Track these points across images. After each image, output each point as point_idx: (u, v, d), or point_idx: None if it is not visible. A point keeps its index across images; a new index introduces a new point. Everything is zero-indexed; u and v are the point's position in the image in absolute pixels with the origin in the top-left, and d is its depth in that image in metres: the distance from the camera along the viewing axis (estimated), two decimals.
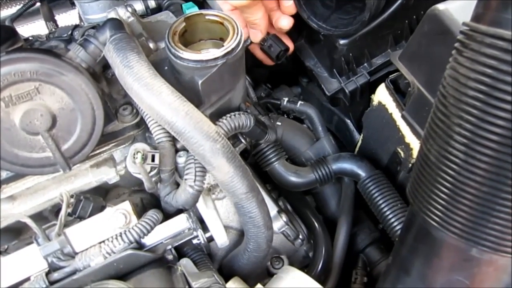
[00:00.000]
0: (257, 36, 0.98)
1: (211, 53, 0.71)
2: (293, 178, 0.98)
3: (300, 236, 0.98)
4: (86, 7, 1.14)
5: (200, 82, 0.73)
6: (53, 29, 1.28)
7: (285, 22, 0.93)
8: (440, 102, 0.59)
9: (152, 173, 0.71)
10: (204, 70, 0.72)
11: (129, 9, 0.92)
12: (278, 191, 1.06)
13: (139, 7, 1.20)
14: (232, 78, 0.79)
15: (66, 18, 1.70)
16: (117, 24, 0.76)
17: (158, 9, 1.21)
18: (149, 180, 0.70)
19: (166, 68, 0.79)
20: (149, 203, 0.92)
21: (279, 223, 0.91)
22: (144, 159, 0.69)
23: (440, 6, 0.74)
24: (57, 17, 1.54)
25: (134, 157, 0.69)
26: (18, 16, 1.38)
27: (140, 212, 0.80)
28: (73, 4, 1.63)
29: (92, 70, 0.76)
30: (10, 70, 0.65)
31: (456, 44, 0.57)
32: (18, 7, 1.45)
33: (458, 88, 0.54)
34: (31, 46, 0.85)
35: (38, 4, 1.42)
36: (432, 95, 0.79)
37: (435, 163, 0.58)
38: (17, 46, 0.72)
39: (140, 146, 0.71)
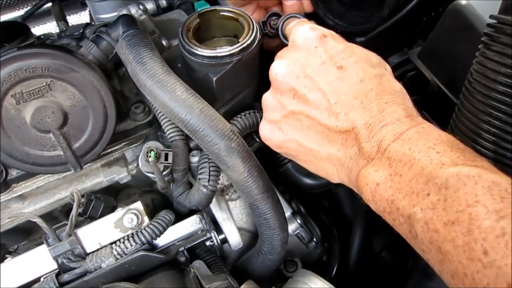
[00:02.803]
0: None
1: (226, 49, 0.69)
2: (307, 179, 0.96)
3: (314, 239, 0.96)
4: (97, 6, 1.13)
5: (214, 79, 0.71)
6: (64, 28, 1.27)
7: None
8: (466, 99, 0.57)
9: (165, 172, 0.69)
10: (219, 67, 0.71)
11: (141, 7, 0.91)
12: (290, 194, 1.03)
13: (150, 6, 1.19)
14: (247, 76, 0.77)
15: (76, 20, 1.70)
16: (130, 21, 0.75)
17: (169, 8, 1.20)
18: (162, 179, 0.68)
19: (179, 65, 0.78)
20: (160, 204, 0.90)
21: (293, 225, 0.89)
22: (157, 157, 0.68)
23: (462, 1, 0.72)
24: (67, 19, 1.53)
25: (147, 155, 0.67)
26: (29, 16, 1.37)
27: (151, 213, 0.78)
28: (83, 5, 1.62)
29: (104, 67, 0.75)
30: (22, 66, 0.64)
31: (484, 38, 0.54)
32: (29, 8, 1.45)
33: (486, 84, 0.52)
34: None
35: (49, 4, 1.42)
36: (453, 93, 0.76)
37: None
38: (29, 42, 0.71)
39: (153, 144, 0.69)
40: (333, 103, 0.56)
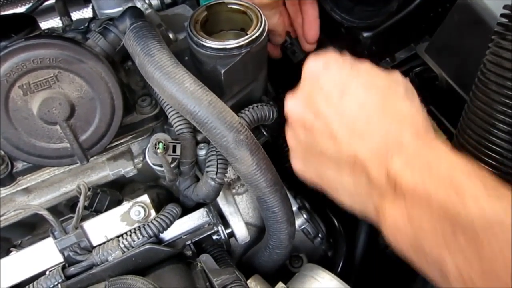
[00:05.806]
0: (277, 40, 0.93)
1: (235, 41, 0.69)
2: None
3: (320, 235, 0.95)
4: (101, 1, 1.12)
5: (222, 71, 0.71)
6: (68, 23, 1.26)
7: (311, 37, 0.89)
8: (479, 90, 0.56)
9: (173, 164, 0.69)
10: (227, 59, 0.70)
11: (147, 1, 0.91)
12: (294, 190, 1.03)
13: (154, 2, 1.19)
14: (255, 68, 0.77)
15: (79, 17, 1.69)
16: (137, 13, 0.74)
17: (173, 4, 1.20)
18: (170, 171, 0.68)
19: (186, 58, 0.77)
20: (165, 199, 0.89)
21: (299, 220, 0.88)
22: (165, 149, 0.67)
23: None
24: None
25: (155, 147, 0.66)
26: (32, 12, 1.36)
27: (156, 207, 0.78)
28: (86, 2, 1.61)
29: (111, 60, 0.74)
30: (29, 57, 0.63)
31: (498, 28, 0.54)
32: (31, 4, 1.44)
33: (501, 74, 0.52)
34: None
35: (52, 0, 1.41)
36: (461, 88, 0.76)
37: (475, 154, 0.55)
38: (36, 33, 0.70)
39: (162, 136, 0.69)
40: (336, 130, 0.55)
